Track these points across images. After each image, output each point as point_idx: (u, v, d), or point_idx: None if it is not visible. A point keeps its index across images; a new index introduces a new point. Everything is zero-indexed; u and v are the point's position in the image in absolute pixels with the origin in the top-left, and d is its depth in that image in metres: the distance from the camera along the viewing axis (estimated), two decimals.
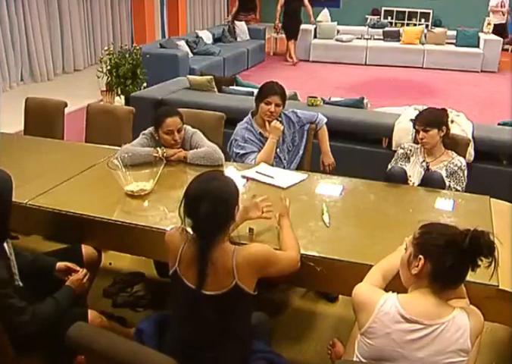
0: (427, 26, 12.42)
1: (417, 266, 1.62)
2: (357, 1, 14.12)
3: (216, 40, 9.79)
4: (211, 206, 1.76)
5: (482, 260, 1.56)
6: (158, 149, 2.88)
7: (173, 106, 3.15)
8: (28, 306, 1.91)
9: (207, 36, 9.40)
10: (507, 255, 1.98)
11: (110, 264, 3.19)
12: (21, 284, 2.04)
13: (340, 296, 2.94)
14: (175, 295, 1.91)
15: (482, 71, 9.94)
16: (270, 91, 3.10)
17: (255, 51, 10.15)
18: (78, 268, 2.23)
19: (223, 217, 1.82)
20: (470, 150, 3.80)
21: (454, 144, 3.11)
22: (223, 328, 1.84)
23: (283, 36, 11.41)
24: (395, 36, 10.75)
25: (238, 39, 10.33)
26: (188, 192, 1.84)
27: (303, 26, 10.94)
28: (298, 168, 3.25)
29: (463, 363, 1.59)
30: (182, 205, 1.82)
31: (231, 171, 2.88)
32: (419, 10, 13.66)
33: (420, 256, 1.62)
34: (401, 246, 1.93)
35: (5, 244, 2.01)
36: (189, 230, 1.84)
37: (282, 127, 3.11)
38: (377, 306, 1.61)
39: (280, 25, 10.34)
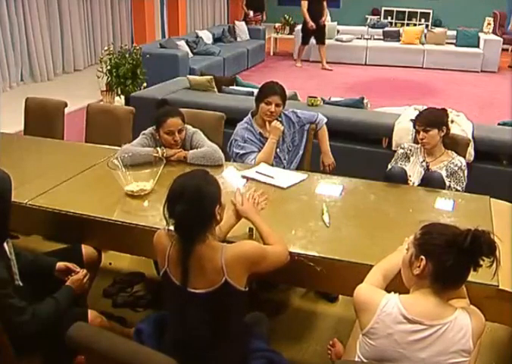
0: (427, 26, 12.43)
1: (419, 267, 1.62)
2: (357, 1, 14.13)
3: (216, 40, 9.80)
4: (187, 205, 1.76)
5: (483, 260, 1.56)
6: (158, 148, 2.88)
7: (173, 106, 3.15)
8: (28, 306, 1.91)
9: (207, 36, 9.41)
10: (507, 255, 1.97)
11: (110, 264, 3.19)
12: (21, 284, 2.03)
13: (340, 296, 2.94)
14: (167, 296, 1.91)
15: (482, 71, 9.95)
16: (270, 91, 3.10)
17: (255, 51, 10.15)
18: (78, 269, 2.23)
19: (201, 216, 1.80)
20: (470, 150, 3.80)
21: (454, 144, 3.11)
22: (216, 327, 1.84)
23: (284, 36, 11.44)
24: (395, 36, 10.75)
25: (238, 39, 10.33)
26: (169, 192, 1.84)
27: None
28: (298, 168, 3.25)
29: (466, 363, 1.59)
30: (166, 204, 1.83)
31: (231, 170, 2.88)
32: (419, 10, 13.67)
33: (422, 257, 1.62)
34: (401, 246, 1.93)
35: (5, 244, 2.01)
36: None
37: (282, 128, 3.11)
38: (379, 307, 1.61)
39: (299, 28, 10.01)
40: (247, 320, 2.00)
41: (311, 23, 9.33)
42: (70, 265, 2.24)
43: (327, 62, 9.90)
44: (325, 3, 9.48)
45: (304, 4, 9.42)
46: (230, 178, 2.79)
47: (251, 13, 11.35)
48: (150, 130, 2.99)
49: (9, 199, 1.96)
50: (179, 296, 1.83)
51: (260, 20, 11.36)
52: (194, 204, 1.77)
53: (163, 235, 1.90)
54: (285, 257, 1.99)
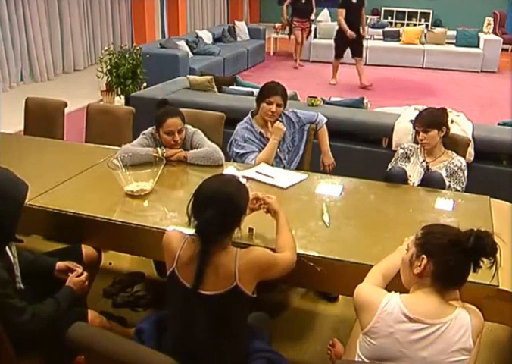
0: (427, 26, 12.44)
1: (420, 266, 1.62)
2: None
3: (216, 40, 9.80)
4: (219, 211, 1.76)
5: (483, 261, 1.57)
6: (158, 149, 2.88)
7: (174, 106, 3.15)
8: (28, 306, 1.91)
9: (207, 36, 9.41)
10: (507, 255, 1.98)
11: (110, 264, 3.19)
12: (23, 287, 2.03)
13: (340, 296, 2.94)
14: (171, 296, 1.91)
15: (482, 71, 9.95)
16: (271, 91, 3.09)
17: (255, 51, 10.15)
18: (78, 267, 2.22)
19: (229, 223, 1.83)
20: (470, 150, 3.80)
21: (454, 144, 3.11)
22: (220, 329, 1.84)
23: (284, 36, 11.40)
24: (395, 36, 10.76)
25: (238, 39, 10.33)
26: (198, 193, 1.84)
27: None
28: (298, 168, 3.25)
29: (466, 362, 1.59)
30: (191, 204, 1.83)
31: (231, 170, 2.88)
32: (419, 11, 13.67)
33: (423, 256, 1.62)
34: (401, 246, 1.93)
35: (7, 247, 2.00)
36: (192, 231, 1.84)
37: (284, 129, 3.10)
38: (380, 306, 1.61)
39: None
40: (249, 320, 1.99)
41: (350, 32, 8.01)
42: (69, 264, 2.23)
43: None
44: (363, 11, 8.28)
45: (342, 12, 8.18)
46: None
47: (289, 22, 9.82)
48: (150, 130, 2.99)
49: (20, 205, 1.96)
50: (186, 297, 1.82)
51: (308, 27, 9.79)
52: (223, 212, 1.77)
53: (174, 236, 1.90)
54: (292, 264, 1.98)
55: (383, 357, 1.61)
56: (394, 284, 1.80)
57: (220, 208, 1.77)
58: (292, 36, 10.00)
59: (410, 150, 3.11)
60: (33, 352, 2.01)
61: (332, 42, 10.37)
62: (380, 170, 3.02)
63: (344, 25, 8.09)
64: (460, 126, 4.06)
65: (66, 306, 2.05)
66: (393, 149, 4.07)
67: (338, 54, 8.57)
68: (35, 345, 2.00)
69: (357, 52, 8.49)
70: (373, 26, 11.69)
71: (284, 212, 2.14)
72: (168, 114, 2.89)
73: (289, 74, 9.24)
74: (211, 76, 5.28)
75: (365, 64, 10.28)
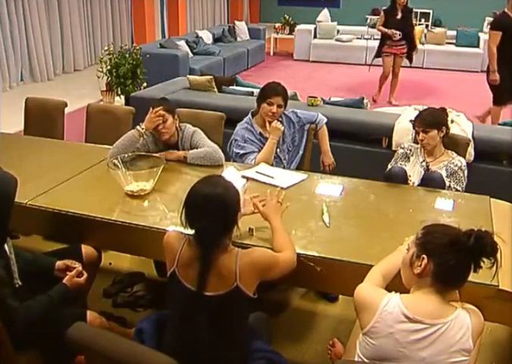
0: (427, 26, 12.42)
1: (420, 265, 1.62)
2: (357, 1, 14.12)
3: (216, 40, 9.80)
4: (212, 217, 1.76)
5: (483, 261, 1.57)
6: (138, 126, 2.92)
7: (173, 106, 3.15)
8: (21, 306, 1.90)
9: (207, 36, 9.41)
10: (507, 255, 1.97)
11: (110, 264, 3.19)
12: (20, 283, 2.03)
13: (340, 296, 2.94)
14: (172, 296, 1.91)
15: (482, 71, 9.93)
16: (272, 92, 3.09)
17: (255, 51, 10.15)
18: (77, 265, 2.21)
19: (226, 224, 1.83)
20: (470, 150, 3.80)
21: (454, 144, 3.11)
22: (220, 329, 1.84)
23: (284, 36, 11.40)
24: None
25: (238, 39, 10.33)
26: (189, 201, 1.82)
27: (303, 26, 10.92)
28: (298, 168, 3.25)
29: (465, 363, 1.59)
30: (183, 213, 1.82)
31: (231, 170, 2.88)
32: (419, 11, 13.62)
33: (423, 256, 1.62)
34: (401, 246, 1.93)
35: (5, 244, 2.00)
36: (191, 231, 1.84)
37: (282, 128, 3.10)
38: (380, 306, 1.61)
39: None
40: (249, 320, 1.99)
41: (496, 76, 5.28)
42: (68, 262, 2.23)
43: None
44: None
45: (495, 37, 5.25)
46: (230, 178, 2.76)
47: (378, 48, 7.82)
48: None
49: (10, 200, 1.96)
50: (186, 297, 1.82)
51: (404, 52, 7.66)
52: (218, 216, 1.78)
53: (174, 236, 1.90)
54: (293, 263, 1.99)
55: (383, 357, 1.61)
56: (395, 284, 1.80)
57: (214, 212, 1.76)
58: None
59: (410, 150, 3.11)
60: (32, 351, 2.01)
61: (333, 42, 10.50)
62: (380, 170, 3.02)
63: (495, 59, 5.24)
64: (460, 126, 4.05)
65: (58, 302, 2.03)
66: (393, 148, 4.07)
67: (498, 100, 5.55)
68: (34, 344, 2.00)
69: None
70: (373, 26, 11.67)
71: (284, 213, 2.15)
72: (154, 106, 2.96)
73: (289, 74, 9.23)
74: (211, 76, 5.28)
75: (365, 64, 10.29)
